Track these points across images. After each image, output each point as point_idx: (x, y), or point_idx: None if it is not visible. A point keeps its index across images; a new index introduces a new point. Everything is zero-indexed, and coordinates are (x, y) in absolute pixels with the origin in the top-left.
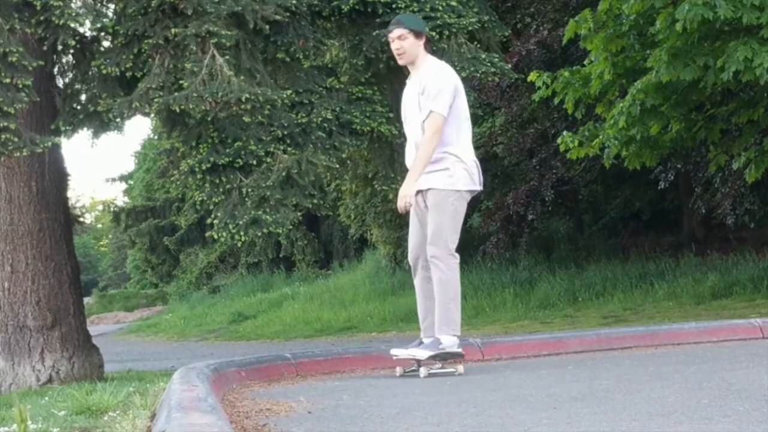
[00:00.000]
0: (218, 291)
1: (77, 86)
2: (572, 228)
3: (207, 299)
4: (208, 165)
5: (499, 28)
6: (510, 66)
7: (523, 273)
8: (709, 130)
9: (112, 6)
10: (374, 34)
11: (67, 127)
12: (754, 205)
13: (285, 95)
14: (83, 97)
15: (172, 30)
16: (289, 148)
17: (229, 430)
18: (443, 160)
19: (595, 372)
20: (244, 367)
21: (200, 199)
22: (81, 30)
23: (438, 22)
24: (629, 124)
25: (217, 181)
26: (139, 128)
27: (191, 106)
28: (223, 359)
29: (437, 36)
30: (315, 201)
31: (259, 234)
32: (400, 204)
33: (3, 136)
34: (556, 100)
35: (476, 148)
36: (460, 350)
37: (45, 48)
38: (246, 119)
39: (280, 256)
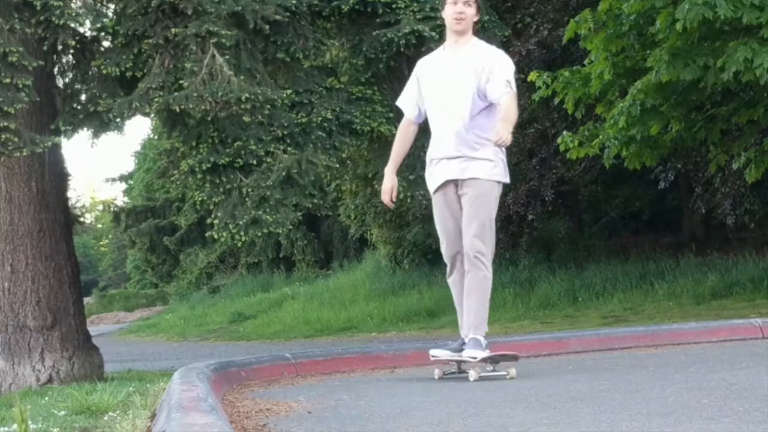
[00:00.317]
0: (218, 291)
1: (77, 86)
2: (572, 228)
3: (207, 299)
4: (208, 165)
5: (500, 28)
6: None
7: (523, 273)
8: (709, 130)
9: (112, 6)
10: (374, 34)
11: (67, 127)
12: (754, 205)
13: (285, 95)
14: (83, 97)
15: (172, 30)
16: (289, 148)
17: (229, 430)
18: (485, 147)
19: (595, 372)
20: (244, 367)
21: (200, 199)
22: (81, 30)
23: (438, 22)
24: (629, 124)
25: (217, 181)
26: (139, 128)
27: (191, 106)
28: (223, 359)
29: (437, 36)
30: (315, 201)
31: (259, 234)
32: (504, 136)
33: (3, 136)
34: (556, 100)
35: None
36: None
37: (45, 48)
38: (246, 119)
39: (280, 256)
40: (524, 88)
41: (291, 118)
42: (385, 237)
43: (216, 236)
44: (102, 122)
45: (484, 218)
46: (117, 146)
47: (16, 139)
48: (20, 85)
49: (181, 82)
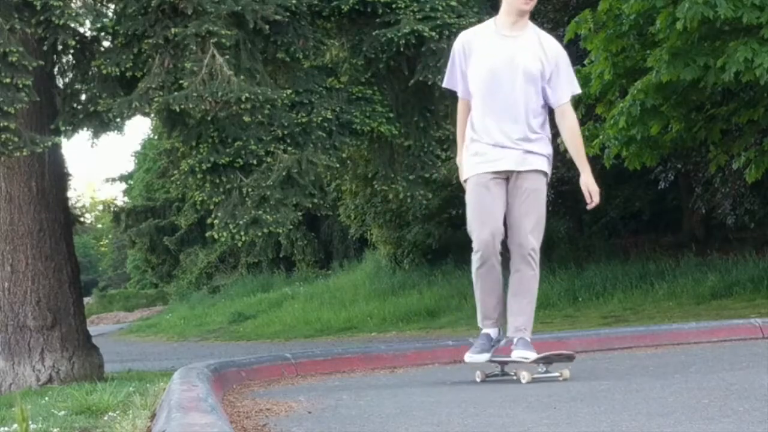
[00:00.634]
0: (218, 291)
1: (77, 86)
2: (572, 228)
3: (207, 299)
4: (208, 165)
5: None
6: None
7: None
8: (709, 130)
9: (112, 6)
10: (374, 34)
11: (67, 127)
12: (754, 205)
13: (285, 95)
14: (83, 97)
15: (172, 30)
16: (289, 148)
17: (229, 430)
18: (541, 141)
19: (595, 372)
20: (244, 367)
21: (200, 199)
22: (81, 30)
23: (438, 22)
24: (629, 124)
25: (217, 180)
26: (139, 128)
27: (191, 106)
28: (223, 359)
29: (437, 36)
30: (315, 201)
31: (260, 234)
32: (597, 199)
33: (3, 136)
34: None
35: None
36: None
37: (45, 48)
38: (246, 119)
39: (280, 256)
40: None
41: (291, 118)
42: (385, 237)
43: (216, 236)
44: (102, 122)
45: (540, 214)
46: (117, 146)
47: (16, 139)
48: (20, 85)
49: (181, 82)
